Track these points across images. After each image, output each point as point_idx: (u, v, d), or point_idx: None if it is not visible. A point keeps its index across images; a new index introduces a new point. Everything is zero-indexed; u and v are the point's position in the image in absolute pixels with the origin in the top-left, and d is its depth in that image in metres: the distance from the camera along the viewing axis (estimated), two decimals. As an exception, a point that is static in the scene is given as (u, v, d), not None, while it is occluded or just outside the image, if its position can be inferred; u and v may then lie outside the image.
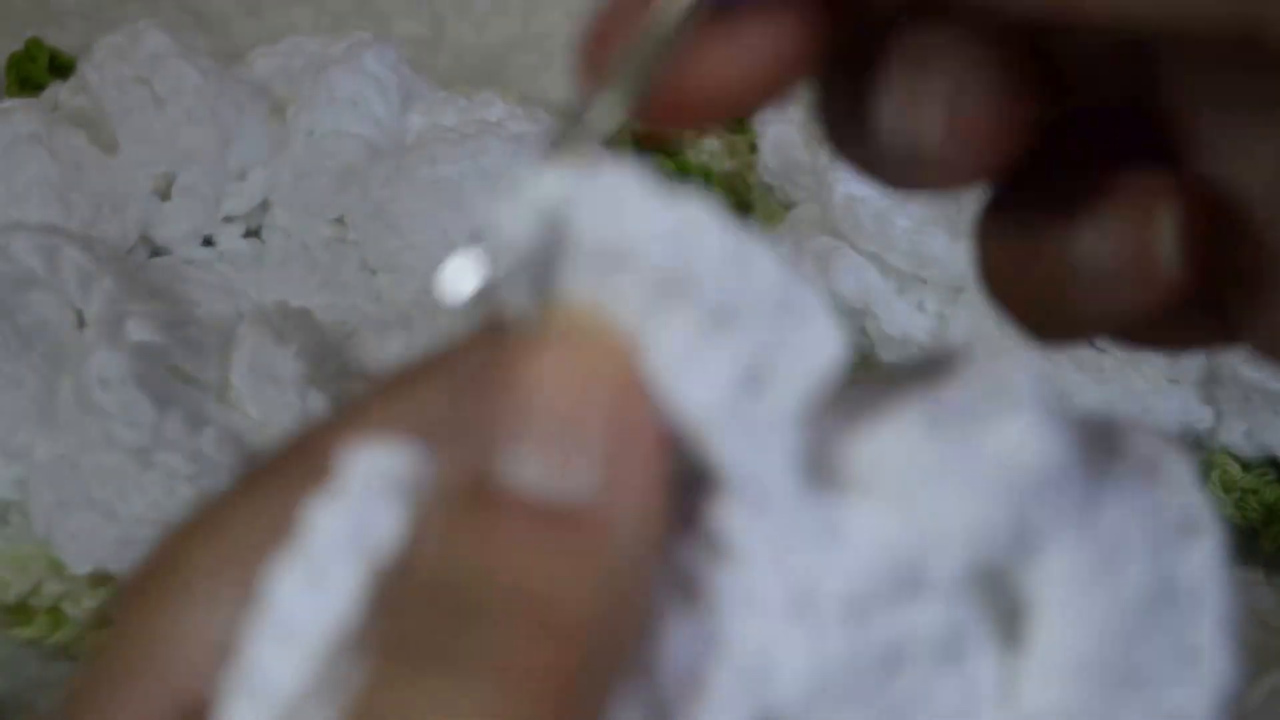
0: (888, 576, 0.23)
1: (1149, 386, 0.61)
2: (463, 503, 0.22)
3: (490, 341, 0.23)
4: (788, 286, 0.23)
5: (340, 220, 0.67)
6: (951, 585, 0.23)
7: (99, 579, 0.52)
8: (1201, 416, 0.61)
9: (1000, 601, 0.24)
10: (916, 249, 0.61)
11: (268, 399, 0.54)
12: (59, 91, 0.70)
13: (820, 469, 0.24)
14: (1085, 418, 0.25)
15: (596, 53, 0.25)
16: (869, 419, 0.24)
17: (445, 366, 0.25)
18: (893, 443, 0.23)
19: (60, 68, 0.73)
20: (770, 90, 0.27)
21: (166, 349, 0.54)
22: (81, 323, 0.57)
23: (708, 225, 0.23)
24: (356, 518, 0.24)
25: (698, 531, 0.23)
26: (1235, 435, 0.60)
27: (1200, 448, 0.60)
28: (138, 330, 0.54)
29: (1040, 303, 0.28)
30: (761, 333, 0.23)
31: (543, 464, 0.22)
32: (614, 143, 0.25)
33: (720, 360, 0.23)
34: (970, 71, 0.26)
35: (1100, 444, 0.24)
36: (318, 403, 0.54)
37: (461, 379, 0.23)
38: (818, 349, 0.23)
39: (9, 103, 0.68)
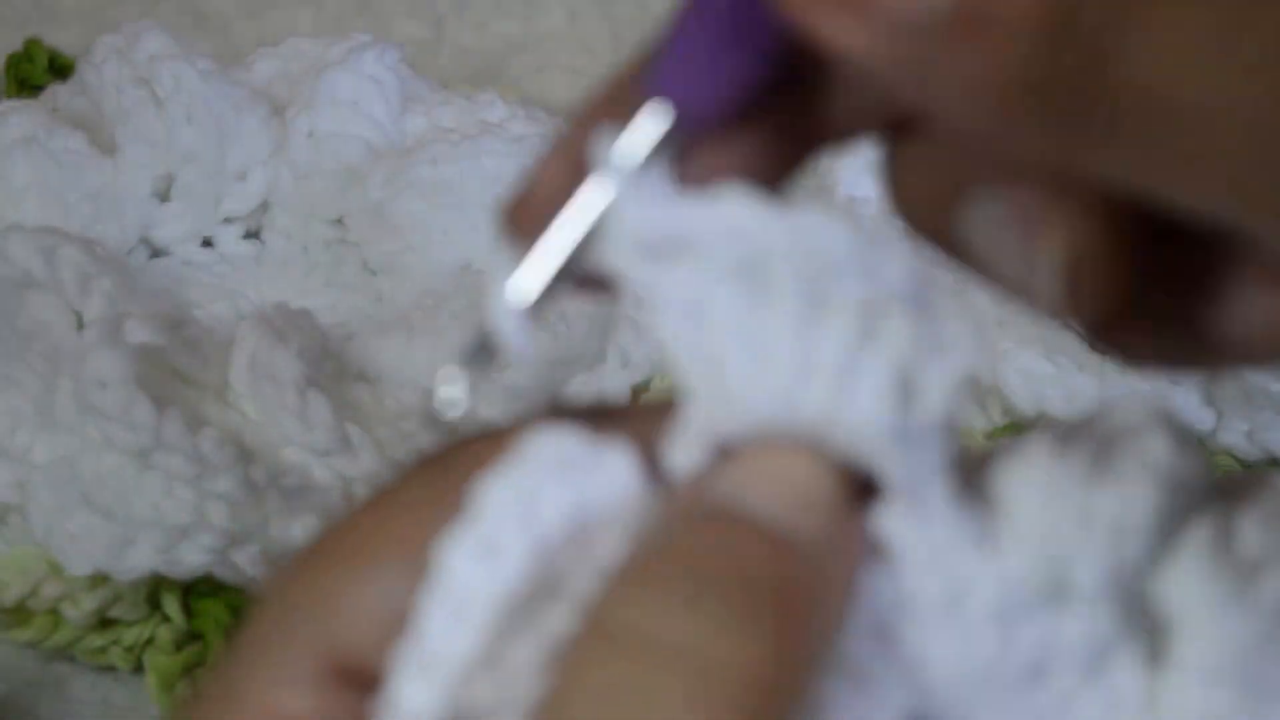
0: (1036, 584, 0.24)
1: (1151, 388, 0.61)
2: (693, 514, 0.24)
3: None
4: (923, 288, 0.24)
5: (340, 221, 0.67)
6: (1096, 595, 0.25)
7: (98, 580, 0.52)
8: (1203, 417, 0.61)
9: (1144, 619, 0.25)
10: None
11: (267, 400, 0.54)
12: (58, 92, 0.70)
13: (969, 480, 0.25)
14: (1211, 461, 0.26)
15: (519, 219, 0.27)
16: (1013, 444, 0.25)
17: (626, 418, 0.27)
18: (1029, 455, 0.25)
19: (59, 69, 0.73)
20: None
21: (166, 350, 0.54)
22: (81, 324, 0.57)
23: (837, 231, 0.24)
24: (527, 492, 0.25)
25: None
26: (1237, 436, 0.60)
27: (1201, 449, 0.60)
28: (137, 331, 0.54)
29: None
30: (906, 339, 0.24)
31: (766, 502, 0.24)
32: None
33: (873, 372, 0.24)
34: (1082, 232, 0.26)
35: (1233, 481, 0.26)
36: (317, 404, 0.54)
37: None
38: (961, 351, 0.24)
39: (8, 103, 0.68)
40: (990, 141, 0.25)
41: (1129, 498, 0.24)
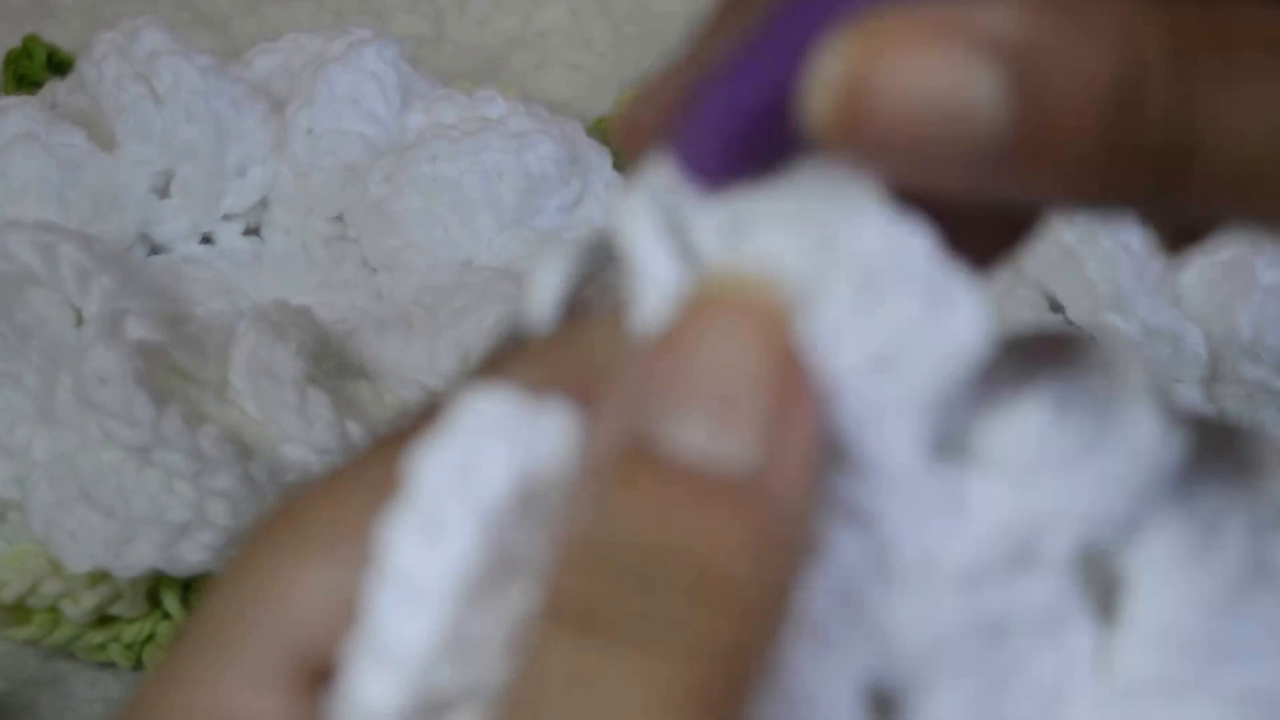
0: (1004, 550, 0.24)
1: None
2: (626, 467, 0.22)
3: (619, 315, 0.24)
4: (938, 274, 0.23)
5: (340, 218, 0.67)
6: (1062, 564, 0.24)
7: (97, 578, 0.52)
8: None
9: (1096, 578, 0.25)
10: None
11: (267, 397, 0.54)
12: (57, 89, 0.70)
13: (950, 439, 0.24)
14: (1189, 413, 0.25)
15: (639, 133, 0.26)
16: (999, 396, 0.24)
17: (576, 338, 0.25)
18: (1022, 423, 0.24)
19: (58, 65, 0.73)
20: None
21: (165, 347, 0.54)
22: (80, 320, 0.57)
23: (863, 201, 0.23)
24: (465, 463, 0.23)
25: (826, 492, 0.24)
26: (1238, 434, 0.60)
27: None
28: (136, 328, 0.54)
29: None
30: (904, 316, 0.23)
31: (704, 430, 0.22)
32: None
33: (861, 338, 0.23)
34: None
35: (1202, 437, 0.25)
36: (317, 400, 0.54)
37: (595, 341, 0.24)
38: (957, 340, 0.23)
39: (7, 100, 0.68)
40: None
41: (1112, 479, 0.24)
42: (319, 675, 0.24)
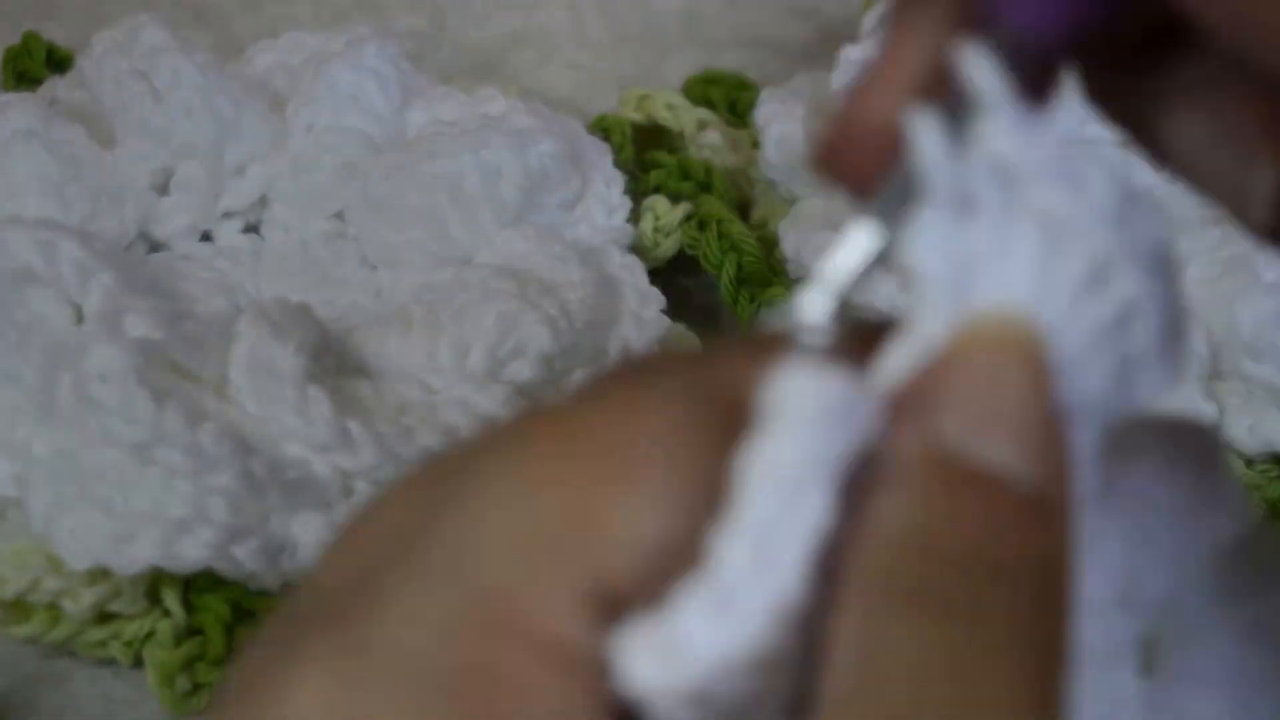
0: (1118, 585, 0.26)
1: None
2: (940, 470, 0.24)
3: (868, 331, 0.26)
4: (1183, 303, 0.25)
5: (340, 215, 0.66)
6: (1145, 610, 0.26)
7: (97, 575, 0.52)
8: (1204, 412, 0.60)
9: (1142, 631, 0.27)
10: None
11: (267, 394, 0.54)
12: (56, 86, 0.70)
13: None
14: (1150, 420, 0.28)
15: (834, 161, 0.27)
16: (1123, 443, 0.26)
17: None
18: (1147, 472, 0.26)
19: (58, 62, 0.72)
20: None
21: (165, 344, 0.54)
22: (80, 318, 0.57)
23: (1105, 175, 0.25)
24: (823, 438, 0.24)
25: None
26: (1239, 431, 0.60)
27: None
28: (136, 325, 0.54)
29: None
30: (1146, 340, 0.25)
31: (1006, 450, 0.24)
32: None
33: (1106, 361, 0.25)
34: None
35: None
36: (317, 398, 0.54)
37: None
38: (1165, 382, 0.25)
39: (6, 97, 0.68)
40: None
41: (1206, 541, 0.27)
42: (616, 607, 0.24)
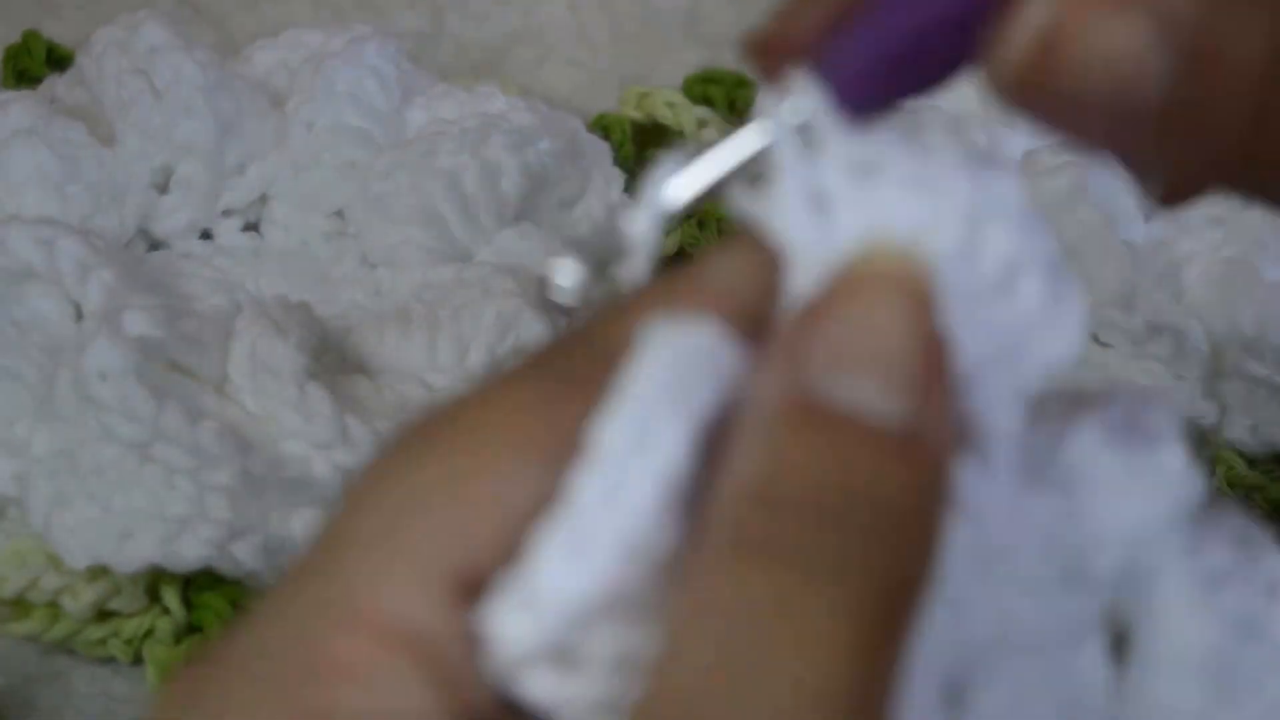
0: (1059, 565, 0.26)
1: (1153, 381, 0.61)
2: (798, 416, 0.24)
3: (749, 258, 0.26)
4: (1061, 270, 0.25)
5: (339, 214, 0.66)
6: (1099, 584, 0.26)
7: (97, 573, 0.52)
8: (1206, 412, 0.60)
9: (1110, 617, 0.27)
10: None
11: (266, 392, 0.54)
12: (57, 84, 0.70)
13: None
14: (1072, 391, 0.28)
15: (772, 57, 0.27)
16: (1051, 424, 0.26)
17: (710, 277, 0.26)
18: (1076, 446, 0.26)
19: (58, 60, 0.73)
20: None
21: (165, 342, 0.54)
22: (79, 316, 0.57)
23: (1005, 183, 0.25)
24: (678, 382, 0.24)
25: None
26: (1240, 431, 0.60)
27: (1205, 444, 0.60)
28: (136, 323, 0.54)
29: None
30: (1031, 305, 0.25)
31: (870, 390, 0.24)
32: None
33: (993, 326, 0.25)
34: None
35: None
36: (316, 396, 0.54)
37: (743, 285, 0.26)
38: (1069, 337, 0.25)
39: (6, 95, 0.68)
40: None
41: (1151, 505, 0.26)
42: (471, 589, 0.24)
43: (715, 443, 0.24)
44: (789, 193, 0.25)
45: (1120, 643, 0.27)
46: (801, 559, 0.23)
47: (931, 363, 0.24)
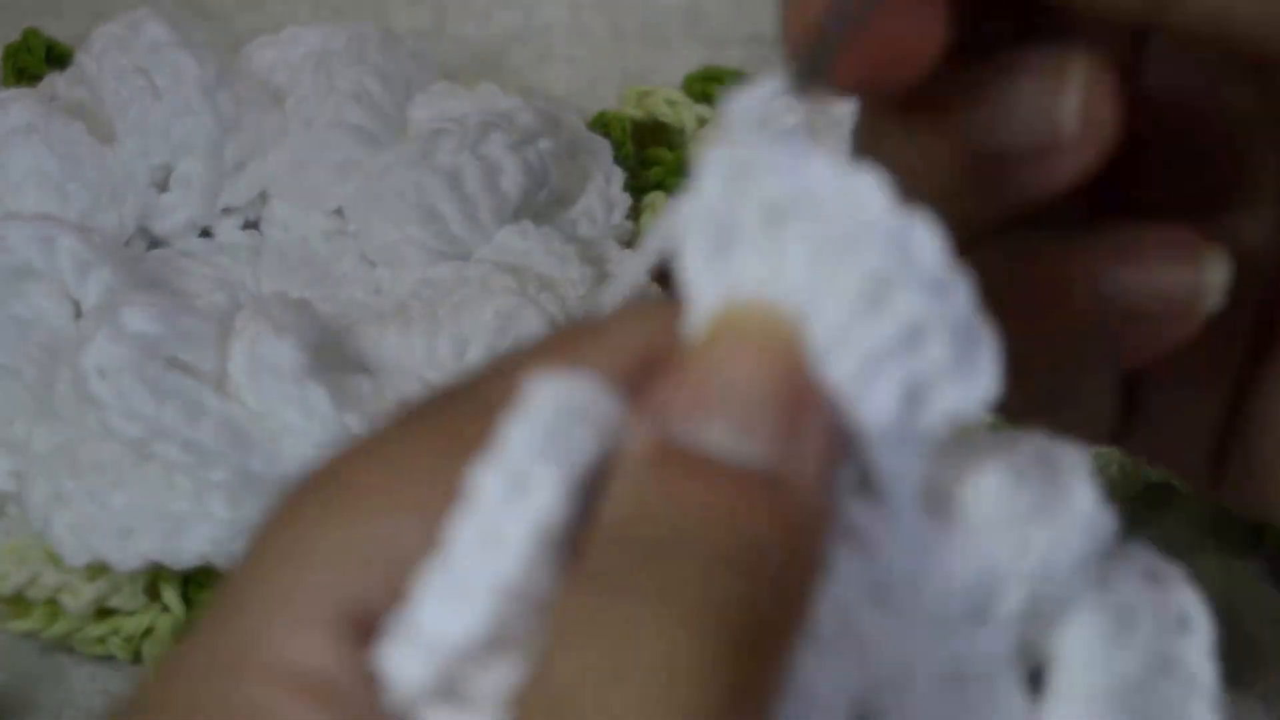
0: (966, 601, 0.27)
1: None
2: (656, 457, 0.25)
3: (654, 313, 0.27)
4: (974, 318, 0.26)
5: (339, 212, 0.66)
6: (1009, 620, 0.27)
7: (96, 571, 0.52)
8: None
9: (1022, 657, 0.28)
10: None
11: (266, 390, 0.54)
12: (56, 82, 0.69)
13: (929, 490, 0.27)
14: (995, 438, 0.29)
15: (800, 18, 0.29)
16: (964, 462, 0.27)
17: (608, 332, 0.27)
18: (985, 484, 0.27)
19: (57, 58, 0.72)
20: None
21: (164, 340, 0.54)
22: (79, 313, 0.57)
23: (924, 251, 0.26)
24: (555, 434, 0.25)
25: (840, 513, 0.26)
26: None
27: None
28: (135, 321, 0.54)
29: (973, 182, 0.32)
30: (938, 357, 0.25)
31: (727, 432, 0.25)
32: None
33: (892, 380, 0.25)
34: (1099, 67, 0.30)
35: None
36: (316, 394, 0.54)
37: (632, 345, 0.27)
38: (977, 390, 0.26)
39: (6, 93, 0.68)
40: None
41: (1059, 542, 0.27)
42: (366, 631, 0.25)
43: (596, 491, 0.25)
44: (696, 236, 0.26)
45: (1036, 676, 0.27)
46: (626, 587, 0.24)
47: (794, 406, 0.25)
